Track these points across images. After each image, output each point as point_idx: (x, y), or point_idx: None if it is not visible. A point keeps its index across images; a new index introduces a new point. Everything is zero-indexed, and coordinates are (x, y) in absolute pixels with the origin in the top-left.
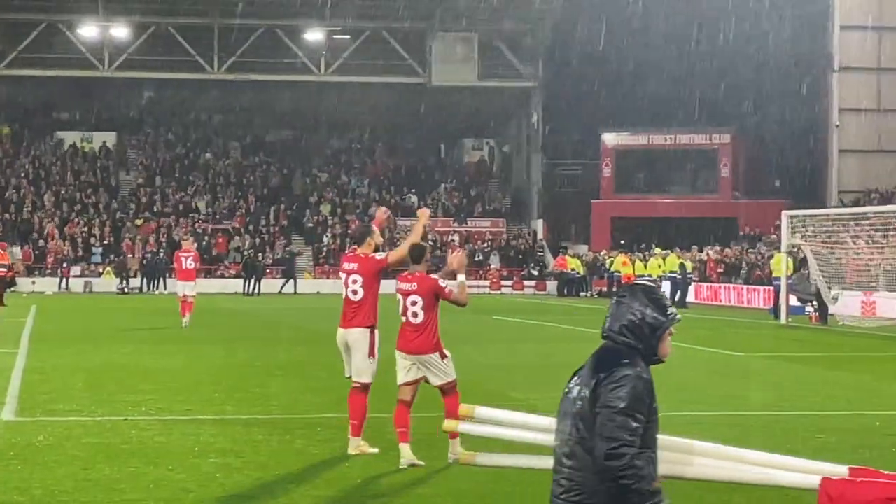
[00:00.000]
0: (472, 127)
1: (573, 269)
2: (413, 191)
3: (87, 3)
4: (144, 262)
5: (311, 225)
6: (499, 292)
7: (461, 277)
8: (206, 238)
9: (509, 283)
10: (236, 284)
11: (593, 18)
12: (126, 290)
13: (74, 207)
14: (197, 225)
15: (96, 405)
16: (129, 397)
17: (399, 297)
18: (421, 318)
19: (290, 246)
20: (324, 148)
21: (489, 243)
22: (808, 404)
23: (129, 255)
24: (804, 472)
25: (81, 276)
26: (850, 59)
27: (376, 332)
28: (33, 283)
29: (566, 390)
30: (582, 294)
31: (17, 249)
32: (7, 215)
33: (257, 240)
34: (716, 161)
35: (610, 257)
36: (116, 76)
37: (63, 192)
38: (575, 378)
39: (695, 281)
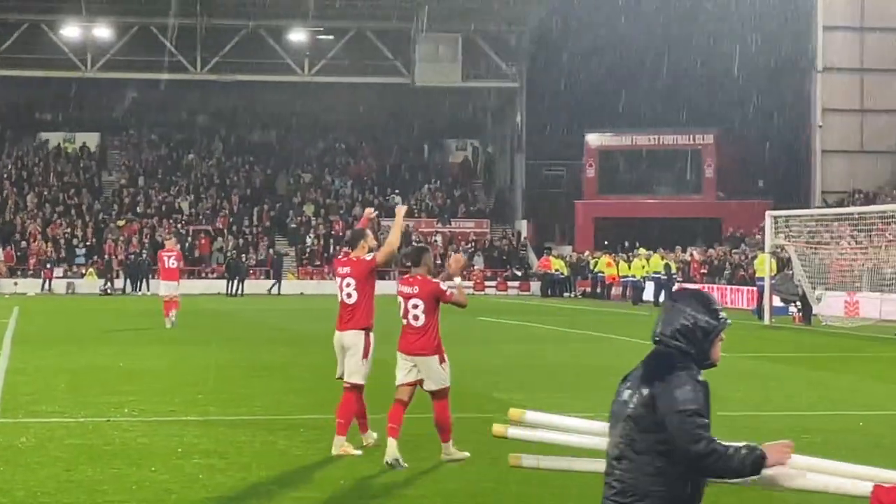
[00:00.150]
0: (456, 127)
1: (557, 270)
2: (397, 191)
3: (69, 4)
4: (128, 263)
5: (294, 226)
6: (482, 293)
7: (458, 280)
8: (189, 239)
9: (493, 283)
10: (219, 285)
11: (577, 19)
12: (109, 291)
13: (57, 208)
14: (180, 226)
15: (79, 406)
16: (112, 398)
17: (400, 299)
18: (422, 320)
19: (277, 247)
20: (307, 148)
21: (473, 244)
22: (792, 404)
23: (113, 257)
24: (855, 478)
25: (64, 277)
26: (834, 59)
27: (371, 334)
28: (15, 284)
29: (617, 395)
30: (566, 295)
31: None
32: None
33: (240, 240)
34: (699, 162)
35: (594, 258)
36: (99, 77)
37: (46, 192)
38: (626, 382)
39: (679, 281)
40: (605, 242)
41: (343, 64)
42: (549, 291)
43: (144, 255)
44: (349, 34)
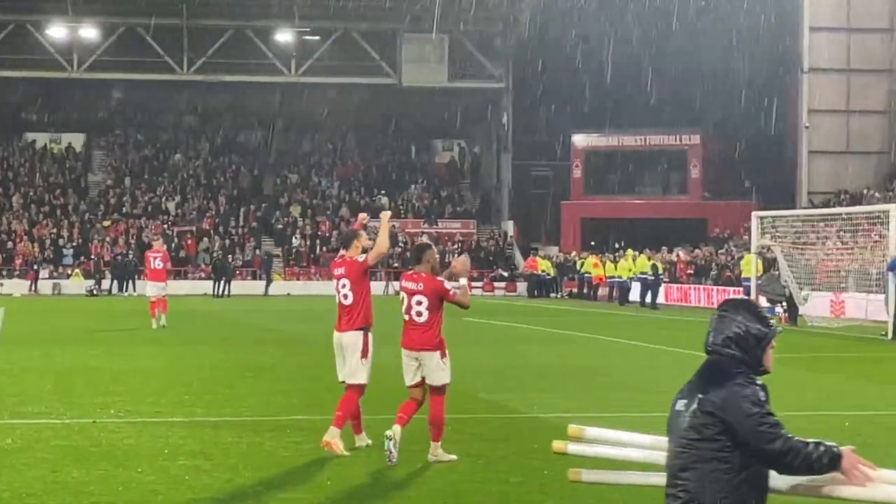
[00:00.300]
0: (443, 128)
1: (543, 271)
2: (383, 192)
3: (55, 4)
4: (114, 263)
5: (280, 226)
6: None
7: (463, 281)
8: (176, 240)
9: (479, 284)
10: (205, 286)
11: (563, 20)
12: (95, 291)
13: (43, 209)
14: (167, 227)
15: (65, 407)
16: (99, 399)
17: (403, 295)
18: (425, 317)
19: (264, 248)
20: (294, 149)
21: (459, 244)
22: (777, 405)
23: (100, 257)
24: None
25: (50, 277)
26: (820, 60)
27: (370, 333)
28: (1, 284)
29: (672, 407)
30: (552, 295)
31: None
32: None
33: (227, 241)
34: (685, 162)
35: (580, 258)
36: (85, 77)
37: (31, 193)
38: (681, 394)
39: (665, 282)
40: (592, 243)
41: (329, 64)
42: (536, 292)
43: (131, 256)
44: (335, 35)
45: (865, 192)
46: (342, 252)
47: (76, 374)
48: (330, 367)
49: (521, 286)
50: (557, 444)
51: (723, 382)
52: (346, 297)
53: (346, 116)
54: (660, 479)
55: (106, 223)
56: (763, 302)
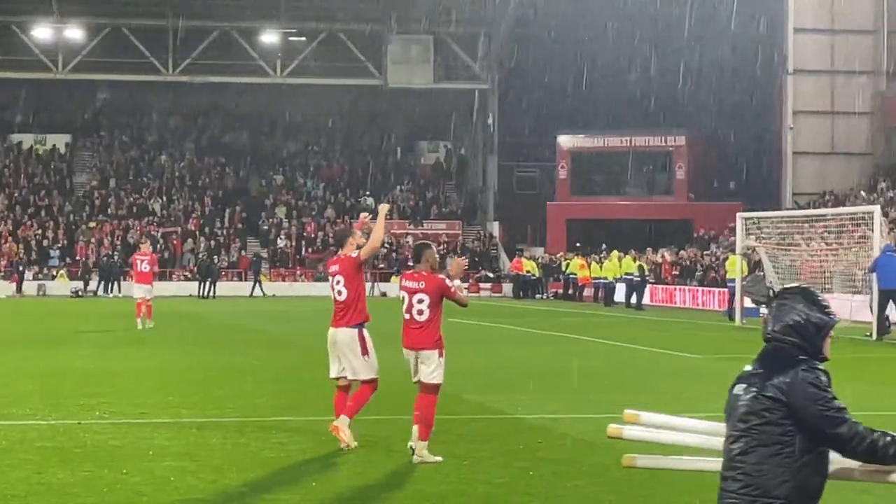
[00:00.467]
0: (428, 129)
1: (529, 272)
2: (368, 193)
3: (40, 5)
4: (100, 265)
5: (266, 227)
6: None
7: (458, 282)
8: (161, 241)
9: (465, 285)
10: (191, 287)
11: (548, 21)
12: (80, 293)
13: (28, 210)
14: (151, 228)
15: (50, 409)
16: (83, 401)
17: (404, 294)
18: (426, 315)
19: (250, 249)
20: (279, 150)
21: (445, 245)
22: None
23: (88, 258)
24: None
25: (35, 279)
26: (804, 61)
27: (365, 329)
28: None
29: (730, 392)
30: (538, 296)
31: None
32: None
33: (212, 242)
34: (671, 163)
35: (566, 259)
36: (70, 78)
37: (16, 194)
38: (740, 380)
39: (650, 283)
40: (577, 244)
41: (315, 65)
42: (521, 293)
43: (116, 257)
44: (321, 36)
45: (850, 193)
46: (338, 250)
47: (61, 376)
48: (314, 368)
49: (507, 287)
50: (612, 429)
51: (786, 368)
52: (340, 293)
53: (332, 117)
54: (714, 464)
55: (91, 224)
56: (748, 303)
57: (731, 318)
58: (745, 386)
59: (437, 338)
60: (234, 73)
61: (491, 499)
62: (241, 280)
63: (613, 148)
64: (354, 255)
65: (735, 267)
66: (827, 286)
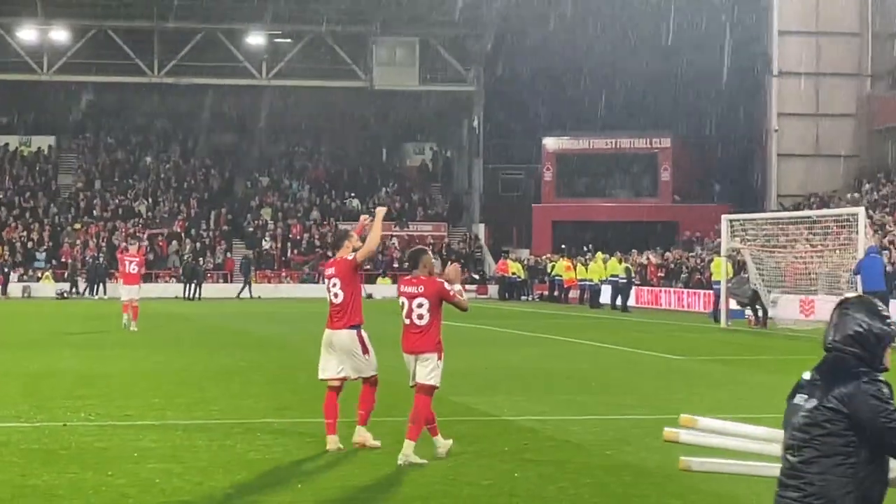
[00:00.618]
0: (414, 131)
1: (514, 274)
2: (353, 195)
3: (25, 6)
4: (86, 266)
5: (251, 229)
6: None
7: (457, 286)
8: (147, 243)
9: (461, 288)
10: (176, 289)
11: (534, 24)
12: (66, 294)
13: (13, 212)
14: (137, 229)
15: (35, 411)
16: (68, 403)
17: (403, 300)
18: (426, 319)
19: (237, 251)
20: (265, 152)
21: (430, 247)
22: (747, 407)
23: (76, 260)
24: None
25: (20, 281)
26: (789, 63)
27: (363, 329)
28: None
29: (789, 401)
30: (523, 298)
31: None
32: None
33: (198, 244)
34: (656, 165)
35: (551, 261)
36: (56, 79)
37: (1, 196)
38: (801, 388)
39: (636, 285)
40: (563, 246)
41: (301, 67)
42: (507, 295)
43: (101, 259)
44: (307, 37)
45: (834, 195)
46: (334, 253)
47: (46, 378)
48: (300, 370)
49: (493, 289)
50: (669, 432)
51: (848, 379)
52: (336, 295)
53: (318, 119)
54: (770, 469)
55: (77, 226)
56: (733, 305)
57: (717, 319)
58: (805, 396)
59: (437, 342)
60: (220, 75)
61: (476, 500)
62: (226, 282)
63: (599, 150)
64: (350, 257)
65: (720, 269)
66: (812, 288)
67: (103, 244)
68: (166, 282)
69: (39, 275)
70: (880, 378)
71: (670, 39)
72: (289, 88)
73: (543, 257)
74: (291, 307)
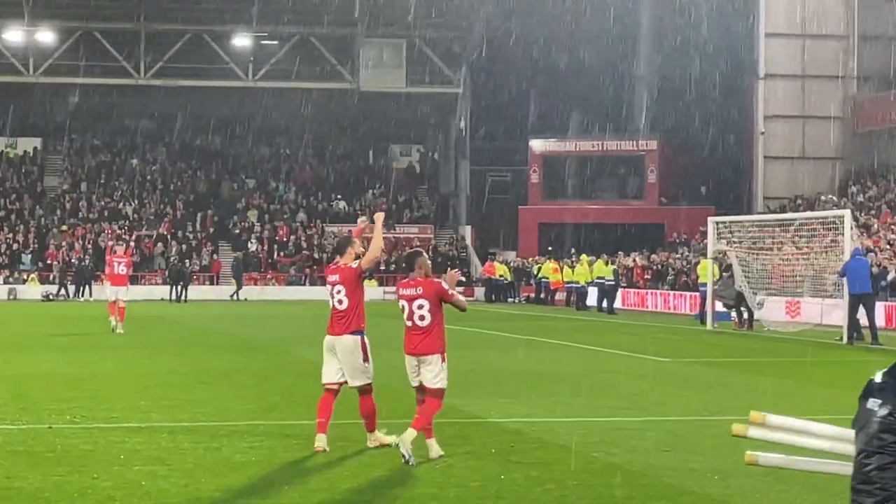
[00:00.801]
0: (401, 133)
1: (501, 276)
2: (339, 197)
3: (11, 8)
4: (73, 269)
5: (237, 231)
6: None
7: (456, 292)
8: (133, 244)
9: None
10: (162, 291)
11: (521, 25)
12: (52, 297)
13: None
14: (123, 231)
15: (20, 413)
16: (54, 405)
17: (403, 303)
18: (428, 320)
19: (225, 252)
20: (251, 153)
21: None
22: (733, 409)
23: (64, 262)
24: None
25: (6, 283)
26: (775, 66)
27: (365, 335)
28: None
29: (863, 405)
30: (510, 300)
31: None
32: None
33: (184, 246)
34: (642, 167)
35: (538, 263)
36: (42, 81)
37: None
38: (873, 392)
39: (622, 287)
40: (549, 248)
41: (287, 69)
42: (493, 297)
43: (87, 261)
44: (293, 39)
45: (817, 197)
46: (336, 258)
47: (32, 380)
48: (286, 372)
49: (479, 291)
50: (738, 427)
51: None
52: (340, 302)
53: (304, 121)
54: (838, 467)
55: (63, 228)
56: (719, 307)
57: (703, 321)
58: (879, 401)
59: (440, 342)
60: (206, 77)
61: (463, 502)
62: (213, 284)
63: (585, 152)
64: (355, 265)
65: (706, 271)
66: (798, 290)
67: (89, 246)
68: (153, 284)
69: (25, 277)
70: None
71: (657, 42)
72: (275, 90)
73: (530, 259)
74: (278, 309)
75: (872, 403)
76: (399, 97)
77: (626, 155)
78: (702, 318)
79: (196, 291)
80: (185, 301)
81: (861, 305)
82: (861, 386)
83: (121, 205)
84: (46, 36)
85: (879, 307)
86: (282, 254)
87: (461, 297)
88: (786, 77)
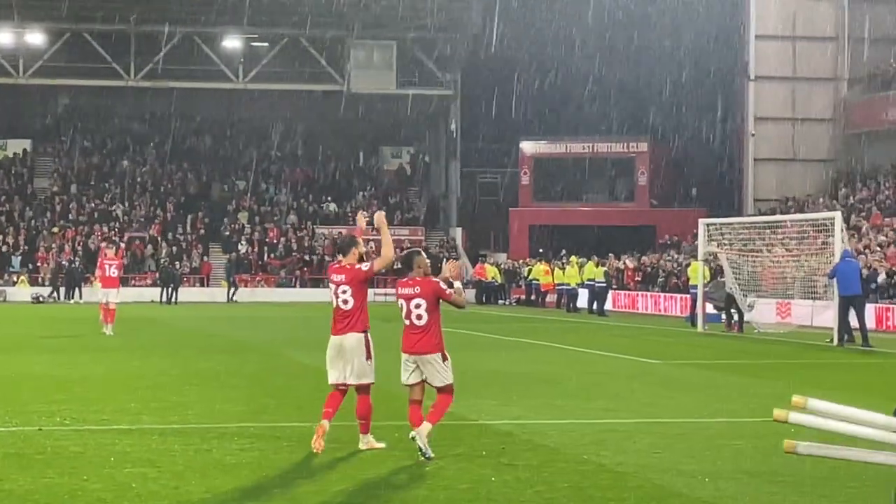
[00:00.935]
0: (391, 135)
1: (492, 278)
2: (330, 199)
3: (1, 10)
4: (63, 270)
5: (227, 233)
6: None
7: (458, 284)
8: (123, 245)
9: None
10: (152, 293)
11: (511, 27)
12: (42, 298)
13: None
14: (113, 233)
15: (10, 415)
16: (44, 407)
17: (401, 302)
18: (425, 319)
19: (229, 255)
20: (242, 155)
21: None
22: (724, 411)
23: (57, 264)
24: None
25: None
26: (766, 68)
27: (369, 335)
28: None
29: None
30: (500, 302)
31: None
32: None
33: (174, 248)
34: (633, 169)
35: (528, 265)
36: (31, 83)
37: None
38: None
39: (613, 289)
40: (540, 250)
41: (277, 71)
42: (484, 299)
43: (77, 263)
44: (283, 41)
45: (810, 199)
46: (339, 258)
47: (21, 382)
48: (277, 374)
49: (470, 293)
50: (779, 413)
51: None
52: (345, 302)
53: (294, 123)
54: (885, 457)
55: (55, 230)
56: (710, 309)
57: (693, 323)
58: None
59: (437, 341)
60: (196, 79)
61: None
62: (203, 286)
63: (576, 154)
64: (367, 267)
65: (697, 273)
66: (789, 292)
67: (79, 248)
68: (143, 286)
69: (15, 279)
70: None
71: (647, 43)
72: (265, 92)
73: (521, 261)
74: (268, 311)
75: None
76: (389, 99)
77: (617, 157)
78: (692, 320)
79: (186, 293)
80: (175, 303)
81: (851, 307)
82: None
83: (111, 207)
84: (36, 37)
85: (870, 309)
86: (272, 256)
87: (460, 294)
88: (776, 79)
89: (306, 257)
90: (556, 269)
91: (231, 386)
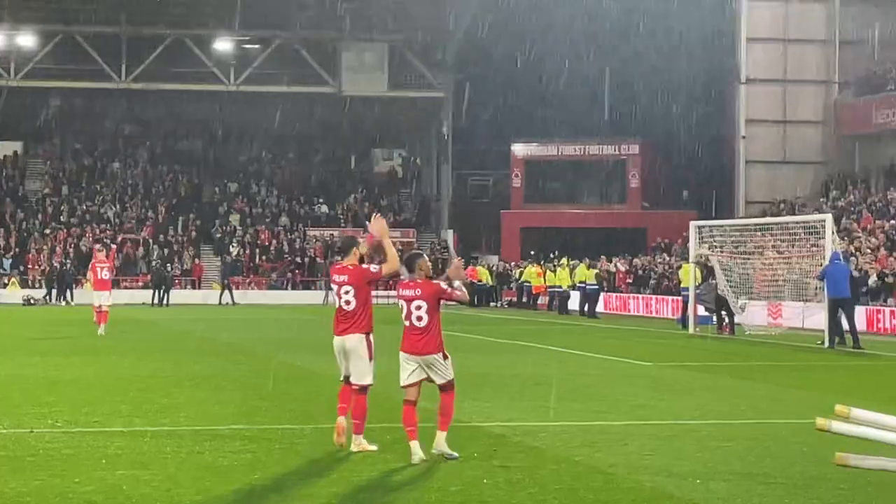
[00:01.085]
0: (383, 137)
1: (483, 280)
2: (321, 200)
3: None
4: (54, 273)
5: (219, 235)
6: None
7: (458, 283)
8: (114, 247)
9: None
10: (143, 295)
11: (503, 29)
12: (33, 301)
13: None
14: (104, 235)
15: (1, 417)
16: (35, 409)
17: (402, 303)
18: (426, 321)
19: (226, 255)
20: (233, 157)
21: (399, 253)
22: (715, 413)
23: (49, 266)
24: None
25: None
26: (757, 70)
27: (371, 336)
28: None
29: None
30: (492, 304)
31: None
32: None
33: (166, 250)
34: (624, 172)
35: (520, 268)
36: (23, 85)
37: None
38: None
39: (604, 291)
40: (531, 252)
41: (269, 73)
42: (476, 301)
43: (69, 265)
44: (275, 43)
45: (800, 201)
46: (340, 258)
47: (12, 384)
48: (269, 376)
49: None
50: (821, 421)
51: None
52: (348, 302)
53: (286, 125)
54: None
55: (47, 232)
56: (701, 311)
57: (685, 325)
58: None
59: (438, 342)
60: (188, 81)
61: None
62: (194, 288)
63: (567, 156)
64: (374, 269)
65: (688, 275)
66: (780, 294)
67: (70, 250)
68: (135, 288)
69: (6, 281)
70: None
71: (639, 46)
72: (257, 94)
73: (512, 264)
74: (260, 313)
75: None
76: (381, 101)
77: (608, 159)
78: (684, 322)
79: (178, 295)
80: (167, 305)
81: (840, 309)
82: (841, 389)
83: (102, 209)
84: (27, 39)
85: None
86: (263, 258)
87: (461, 291)
88: (767, 81)
89: (298, 260)
90: (548, 271)
91: (223, 388)
